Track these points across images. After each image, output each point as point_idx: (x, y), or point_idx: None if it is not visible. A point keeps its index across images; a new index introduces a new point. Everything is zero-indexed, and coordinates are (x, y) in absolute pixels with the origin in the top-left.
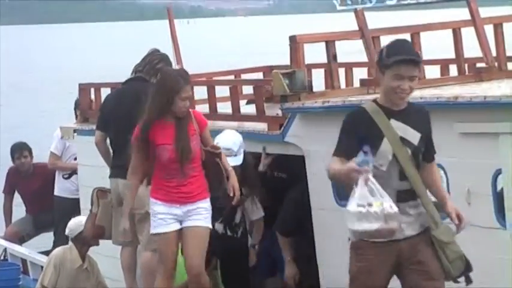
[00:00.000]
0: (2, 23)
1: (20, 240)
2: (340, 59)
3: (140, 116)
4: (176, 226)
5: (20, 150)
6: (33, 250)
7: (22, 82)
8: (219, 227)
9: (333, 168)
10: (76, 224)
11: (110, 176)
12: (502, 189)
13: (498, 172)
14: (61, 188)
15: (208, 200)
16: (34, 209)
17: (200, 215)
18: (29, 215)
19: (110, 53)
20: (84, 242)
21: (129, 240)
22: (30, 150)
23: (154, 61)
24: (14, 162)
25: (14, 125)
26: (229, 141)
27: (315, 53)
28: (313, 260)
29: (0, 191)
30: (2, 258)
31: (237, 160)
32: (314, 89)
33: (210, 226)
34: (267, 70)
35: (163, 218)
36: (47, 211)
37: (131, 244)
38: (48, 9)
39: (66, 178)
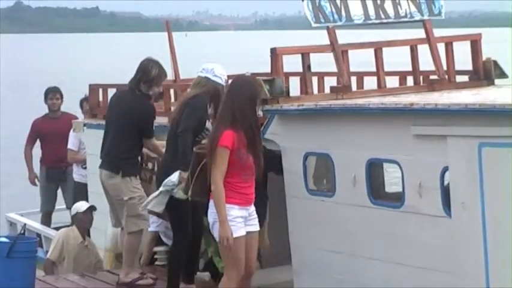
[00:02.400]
0: (23, 31)
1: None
2: (314, 69)
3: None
4: (243, 230)
5: (53, 92)
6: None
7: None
8: None
9: None
10: (74, 207)
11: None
12: (448, 183)
13: (445, 169)
14: (81, 175)
15: None
16: (48, 158)
17: (256, 218)
18: (43, 168)
19: (117, 60)
20: (78, 222)
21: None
22: (62, 94)
23: (149, 69)
24: (46, 103)
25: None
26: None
27: (294, 64)
28: None
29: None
30: (22, 232)
31: None
32: (290, 94)
33: None
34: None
35: (241, 221)
36: (58, 168)
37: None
38: (63, 20)
39: (84, 168)
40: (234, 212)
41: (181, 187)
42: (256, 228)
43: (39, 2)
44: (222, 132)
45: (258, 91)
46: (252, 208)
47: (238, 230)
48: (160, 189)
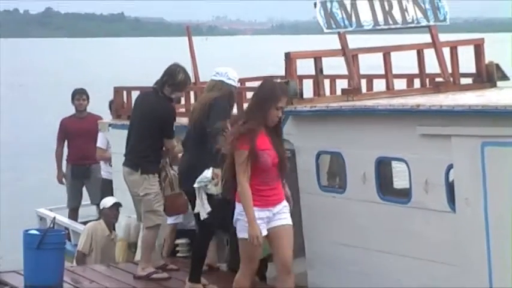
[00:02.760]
0: (52, 35)
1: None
2: (326, 72)
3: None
4: (264, 231)
5: (80, 93)
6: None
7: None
8: None
9: None
10: (102, 202)
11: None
12: (452, 180)
13: (450, 167)
14: (108, 172)
15: None
16: (73, 155)
17: (286, 213)
18: (68, 165)
19: (141, 63)
20: (105, 217)
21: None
22: (88, 96)
23: (176, 74)
24: (73, 103)
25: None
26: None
27: (307, 67)
28: None
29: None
30: (51, 226)
31: None
32: (304, 96)
33: None
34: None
35: (260, 223)
36: (82, 165)
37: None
38: (90, 24)
39: (111, 165)
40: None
41: (214, 183)
42: (285, 222)
43: (68, 7)
44: (241, 134)
45: (277, 94)
46: (279, 207)
47: None
48: (195, 186)
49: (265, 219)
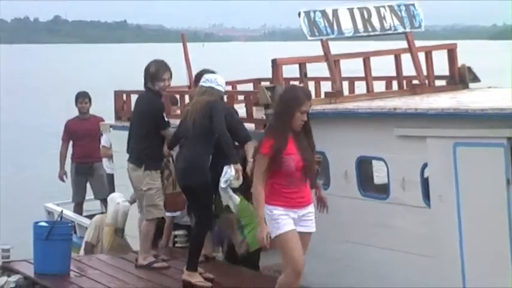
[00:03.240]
0: (61, 42)
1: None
2: (313, 74)
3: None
4: (291, 225)
5: (83, 96)
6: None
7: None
8: None
9: None
10: (110, 197)
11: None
12: (427, 178)
13: (425, 165)
14: (111, 168)
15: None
16: (77, 154)
17: (311, 220)
18: (73, 163)
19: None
20: None
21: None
22: (90, 99)
23: (148, 68)
24: (76, 106)
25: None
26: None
27: (293, 70)
28: None
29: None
30: (59, 219)
31: None
32: None
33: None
34: (256, 82)
35: (285, 218)
36: (85, 163)
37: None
38: (95, 31)
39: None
40: (278, 211)
41: (236, 177)
42: (307, 229)
43: (75, 15)
44: (264, 139)
45: (301, 98)
46: (304, 212)
47: (284, 226)
48: (222, 186)
49: (292, 218)
